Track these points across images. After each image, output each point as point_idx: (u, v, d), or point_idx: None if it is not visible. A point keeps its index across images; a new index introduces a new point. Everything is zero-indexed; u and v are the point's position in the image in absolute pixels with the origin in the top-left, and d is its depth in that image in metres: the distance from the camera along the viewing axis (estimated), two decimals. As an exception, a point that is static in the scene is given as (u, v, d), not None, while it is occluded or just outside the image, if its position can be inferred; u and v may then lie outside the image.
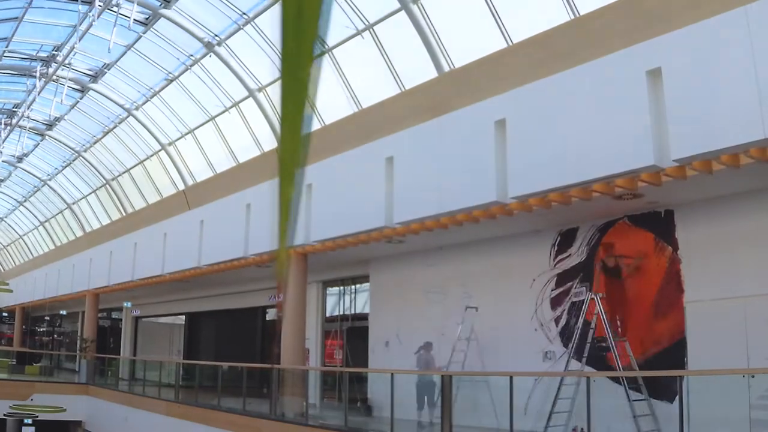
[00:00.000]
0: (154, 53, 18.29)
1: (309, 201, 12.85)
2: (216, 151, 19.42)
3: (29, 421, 19.99)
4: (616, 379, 9.23)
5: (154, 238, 19.13)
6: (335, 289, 16.33)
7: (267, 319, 19.36)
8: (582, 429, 8.66)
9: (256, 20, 15.17)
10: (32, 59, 20.32)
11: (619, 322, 9.62)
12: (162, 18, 16.54)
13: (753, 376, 8.21)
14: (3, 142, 24.05)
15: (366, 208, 11.62)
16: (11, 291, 34.73)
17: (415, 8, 12.02)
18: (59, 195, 30.79)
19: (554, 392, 9.15)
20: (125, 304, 25.59)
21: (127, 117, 21.89)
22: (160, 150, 21.69)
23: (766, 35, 7.10)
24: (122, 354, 26.56)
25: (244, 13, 15.30)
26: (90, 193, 28.12)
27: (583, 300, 9.77)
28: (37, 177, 30.80)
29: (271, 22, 14.92)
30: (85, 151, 25.65)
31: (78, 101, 22.35)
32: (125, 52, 18.82)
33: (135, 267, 20.03)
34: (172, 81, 18.76)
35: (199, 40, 16.46)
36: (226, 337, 22.26)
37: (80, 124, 24.45)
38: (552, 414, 9.01)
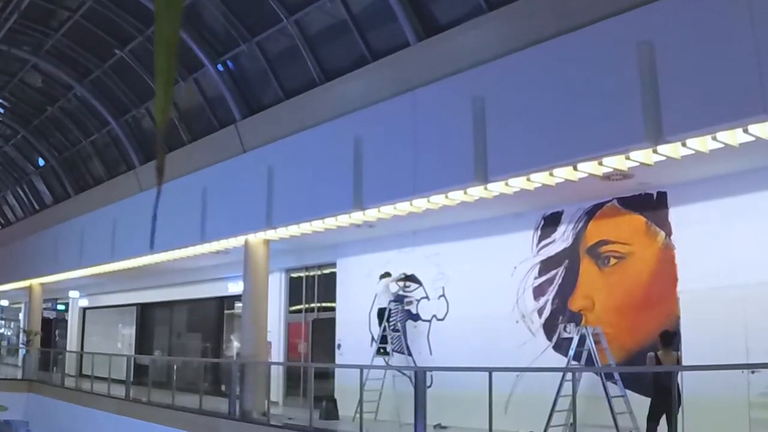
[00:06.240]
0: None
1: (271, 183, 11.99)
2: (172, 129, 18.12)
3: (-32, 421, 18.66)
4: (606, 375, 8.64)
5: (103, 223, 17.84)
6: (299, 278, 15.39)
7: (227, 311, 18.28)
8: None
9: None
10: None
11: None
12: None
13: (753, 372, 7.72)
14: None
15: (333, 191, 10.74)
16: None
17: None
18: None
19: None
20: (71, 294, 24.20)
21: (74, 90, 20.33)
22: (110, 127, 20.21)
23: (766, 5, 6.46)
24: (68, 347, 25.15)
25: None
26: (33, 173, 26.34)
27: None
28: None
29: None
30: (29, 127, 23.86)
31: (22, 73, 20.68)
32: (72, 19, 17.27)
33: (82, 254, 18.71)
34: (124, 52, 17.33)
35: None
36: (182, 330, 21.10)
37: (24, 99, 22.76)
38: (553, 412, 8.33)
